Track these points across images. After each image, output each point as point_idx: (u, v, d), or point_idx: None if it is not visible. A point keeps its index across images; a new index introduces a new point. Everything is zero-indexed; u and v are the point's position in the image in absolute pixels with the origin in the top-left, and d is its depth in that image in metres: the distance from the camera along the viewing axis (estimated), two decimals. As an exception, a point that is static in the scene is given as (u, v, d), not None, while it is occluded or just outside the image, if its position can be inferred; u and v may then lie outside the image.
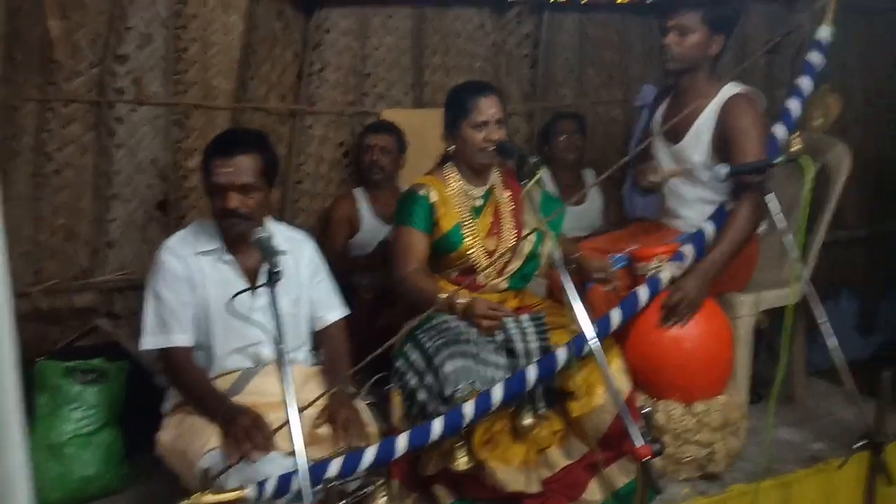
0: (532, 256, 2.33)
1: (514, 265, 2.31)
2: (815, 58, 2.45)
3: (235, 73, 3.09)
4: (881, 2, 3.98)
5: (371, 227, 3.11)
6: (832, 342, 2.01)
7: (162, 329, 1.98)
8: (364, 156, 3.10)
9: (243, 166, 1.95)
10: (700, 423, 2.16)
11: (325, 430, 1.91)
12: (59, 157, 2.84)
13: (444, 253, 2.29)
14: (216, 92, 3.08)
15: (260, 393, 1.99)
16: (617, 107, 3.81)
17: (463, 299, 2.12)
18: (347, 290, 2.90)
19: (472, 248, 2.28)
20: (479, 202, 2.34)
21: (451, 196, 2.32)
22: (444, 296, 2.12)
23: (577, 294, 1.90)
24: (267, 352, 2.05)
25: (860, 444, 1.91)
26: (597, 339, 1.86)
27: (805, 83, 2.43)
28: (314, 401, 1.85)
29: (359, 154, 3.17)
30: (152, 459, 2.13)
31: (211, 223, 2.07)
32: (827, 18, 2.46)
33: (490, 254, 2.30)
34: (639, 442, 1.64)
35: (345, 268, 2.97)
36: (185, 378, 1.98)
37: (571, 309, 2.18)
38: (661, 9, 3.53)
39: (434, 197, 2.29)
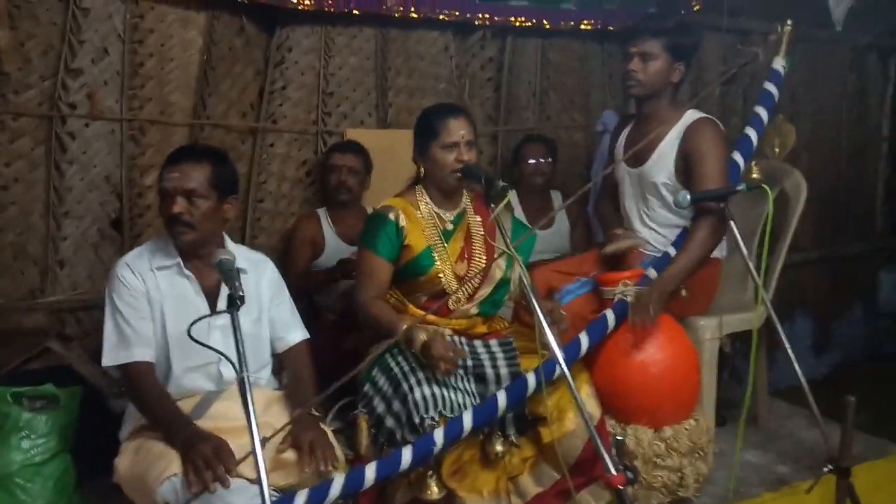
0: (503, 283, 2.31)
1: (485, 291, 2.29)
2: (771, 88, 2.52)
3: (194, 89, 3.02)
4: (823, 33, 4.17)
5: (335, 249, 3.06)
6: (796, 365, 2.04)
7: (122, 344, 1.93)
8: (330, 175, 3.06)
9: (191, 173, 1.95)
10: (669, 447, 2.16)
11: (290, 454, 1.85)
12: (7, 173, 2.71)
13: (413, 276, 2.25)
14: (173, 108, 3.00)
15: (223, 417, 1.92)
16: (578, 131, 3.85)
17: (423, 336, 2.06)
18: (311, 312, 2.87)
19: (441, 272, 2.25)
20: (449, 226, 2.31)
21: (422, 219, 2.29)
22: (405, 327, 2.07)
23: (545, 318, 1.90)
24: (226, 371, 1.99)
25: (827, 468, 1.93)
26: (565, 364, 1.85)
27: (763, 112, 2.50)
28: (279, 430, 1.79)
29: (324, 173, 3.12)
30: (107, 489, 2.04)
31: (166, 239, 2.04)
32: (781, 50, 2.53)
33: (460, 279, 2.27)
34: (612, 470, 1.63)
35: (304, 283, 2.92)
36: (148, 395, 1.91)
37: (540, 333, 2.21)
38: (622, 36, 3.64)
39: (403, 220, 2.25)
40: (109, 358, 1.94)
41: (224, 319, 1.92)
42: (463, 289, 2.26)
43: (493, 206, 2.04)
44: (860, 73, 4.78)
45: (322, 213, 3.14)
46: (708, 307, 2.56)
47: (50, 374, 2.35)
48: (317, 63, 3.27)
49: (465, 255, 2.30)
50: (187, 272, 2.00)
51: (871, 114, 4.91)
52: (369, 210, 3.15)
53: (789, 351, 2.06)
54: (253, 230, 3.22)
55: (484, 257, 2.31)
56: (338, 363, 2.38)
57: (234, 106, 3.15)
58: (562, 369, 1.84)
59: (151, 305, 1.96)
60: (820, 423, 2.02)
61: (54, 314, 2.79)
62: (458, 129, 2.23)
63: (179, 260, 2.00)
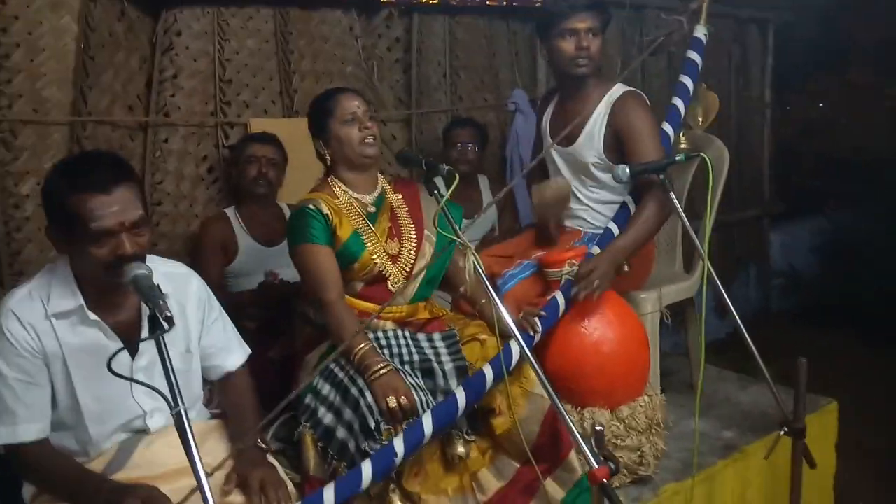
0: (437, 260, 2.19)
1: (420, 265, 2.16)
2: (695, 56, 2.52)
3: (71, 82, 2.68)
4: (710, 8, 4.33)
5: (249, 251, 2.81)
6: (744, 332, 2.05)
7: (5, 419, 1.57)
8: (248, 168, 2.80)
9: (130, 199, 1.55)
10: (627, 427, 2.13)
11: (236, 496, 1.63)
12: None
13: (347, 264, 2.09)
14: (49, 105, 2.65)
15: (147, 465, 1.65)
16: (490, 111, 3.78)
17: (378, 370, 1.90)
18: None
19: (374, 253, 2.11)
20: (371, 209, 2.18)
21: (342, 206, 2.14)
22: (362, 350, 1.93)
23: (501, 305, 1.80)
24: (153, 423, 1.70)
25: (783, 431, 1.95)
26: (527, 348, 1.77)
27: (688, 81, 2.50)
28: (221, 464, 1.57)
29: (236, 167, 2.86)
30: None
31: (62, 269, 1.63)
32: (702, 18, 2.54)
33: (394, 258, 2.15)
34: (593, 463, 1.54)
35: (226, 303, 2.66)
36: (45, 474, 1.60)
37: (485, 317, 2.12)
38: (531, 12, 3.59)
39: (325, 208, 2.09)
40: None
41: (147, 359, 1.65)
42: (398, 268, 2.14)
43: (435, 191, 1.91)
44: (743, 45, 5.02)
45: (231, 212, 2.88)
46: (645, 281, 2.55)
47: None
48: (210, 48, 2.99)
49: (395, 234, 2.18)
50: (93, 317, 1.61)
51: (754, 83, 5.18)
52: (283, 206, 2.94)
53: (735, 315, 2.06)
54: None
55: (414, 234, 2.20)
56: (264, 374, 2.19)
57: (119, 99, 2.83)
58: (523, 352, 1.75)
59: (49, 364, 1.59)
60: (771, 387, 2.04)
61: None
62: (350, 101, 2.14)
63: (82, 301, 1.60)
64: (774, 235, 5.51)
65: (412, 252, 2.17)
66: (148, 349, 1.65)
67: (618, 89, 2.41)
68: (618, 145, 2.36)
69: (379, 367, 1.89)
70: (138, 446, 1.68)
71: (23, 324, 1.57)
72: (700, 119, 2.65)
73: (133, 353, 1.65)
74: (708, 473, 2.26)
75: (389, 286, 2.12)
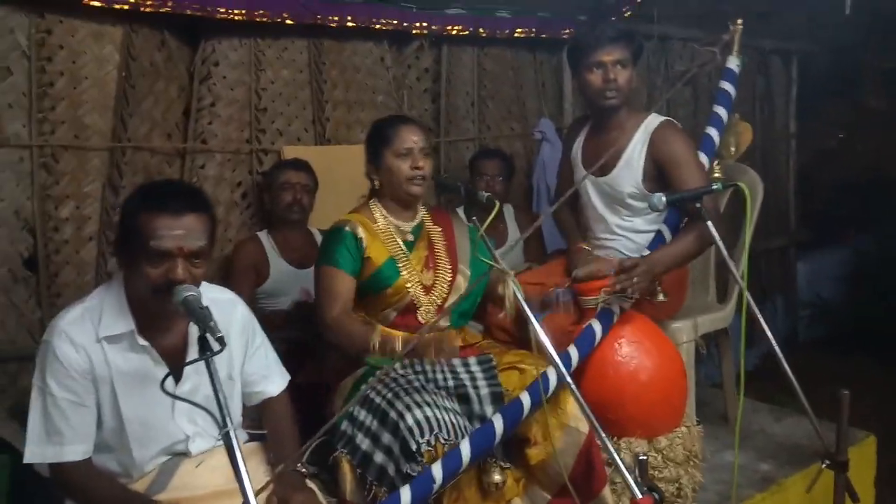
0: (470, 294, 2.20)
1: (452, 299, 2.16)
2: (728, 87, 2.54)
3: (112, 109, 2.74)
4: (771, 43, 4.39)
5: (281, 273, 2.85)
6: (784, 363, 2.02)
7: (52, 439, 1.58)
8: (282, 194, 2.85)
9: (196, 228, 1.57)
10: (665, 458, 2.10)
11: None
12: None
13: (379, 290, 2.11)
14: (89, 131, 2.71)
15: (188, 486, 1.65)
16: (517, 140, 3.82)
17: (400, 336, 1.96)
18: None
19: (409, 282, 2.12)
20: (410, 237, 2.21)
21: (380, 231, 2.17)
22: (377, 340, 1.95)
23: (542, 332, 1.79)
24: (194, 447, 1.71)
25: (825, 464, 1.92)
26: (560, 378, 1.75)
27: (722, 111, 2.51)
28: (264, 487, 1.57)
29: (268, 193, 2.91)
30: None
31: (116, 291, 1.64)
32: (734, 49, 2.56)
33: (427, 289, 2.16)
34: (637, 493, 1.53)
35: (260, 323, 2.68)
36: (90, 494, 1.61)
37: (522, 347, 2.11)
38: (561, 44, 3.63)
39: (361, 232, 2.13)
40: (35, 454, 1.59)
41: (191, 385, 1.66)
42: (430, 299, 2.15)
43: (474, 218, 1.92)
44: (766, 75, 5.04)
45: (263, 236, 2.92)
46: (678, 310, 2.53)
47: (-33, 441, 2.03)
48: (247, 77, 3.05)
49: (431, 265, 2.19)
50: (143, 342, 1.62)
51: (778, 114, 5.19)
52: (314, 231, 2.97)
53: (776, 345, 2.04)
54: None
55: (449, 267, 2.21)
56: (294, 399, 2.20)
57: (158, 126, 2.89)
58: (563, 379, 1.74)
59: (97, 386, 1.60)
60: (812, 419, 2.00)
61: (-38, 370, 2.44)
62: (410, 136, 2.15)
63: (134, 326, 1.62)
64: (801, 265, 5.46)
65: (446, 285, 2.18)
66: (191, 375, 1.67)
67: (653, 119, 2.42)
68: (657, 175, 2.36)
69: (398, 339, 1.93)
70: (180, 468, 1.69)
71: (74, 345, 1.58)
72: (732, 149, 2.65)
73: (177, 378, 1.67)
74: (746, 506, 2.22)
75: (419, 317, 2.13)
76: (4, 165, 2.53)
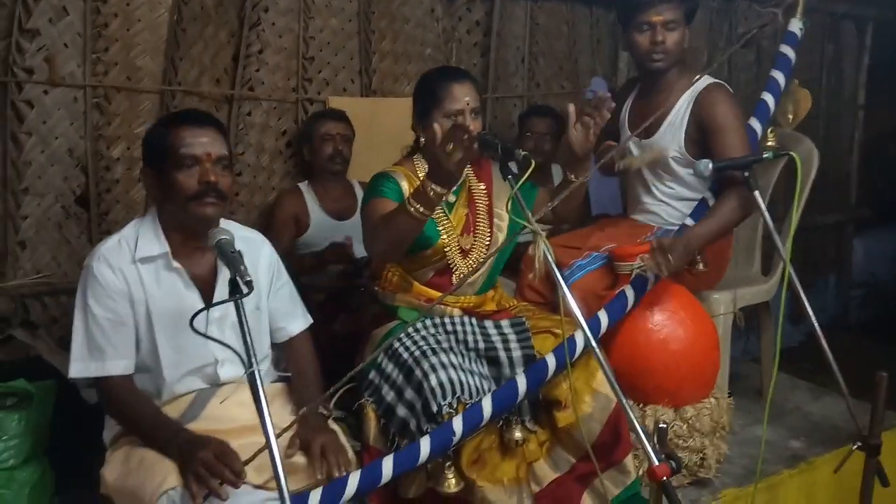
0: (502, 251, 2.18)
1: (489, 262, 2.15)
2: (788, 51, 2.42)
3: (163, 53, 2.77)
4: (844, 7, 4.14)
5: (320, 224, 2.88)
6: (823, 343, 1.97)
7: (94, 354, 1.68)
8: (324, 145, 2.86)
9: (218, 139, 1.72)
10: (691, 427, 2.08)
11: (299, 458, 1.69)
12: (-43, 145, 2.46)
13: (418, 250, 2.10)
14: (141, 73, 2.75)
15: (219, 419, 1.73)
16: (567, 98, 3.69)
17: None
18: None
19: (447, 245, 2.11)
20: (451, 196, 2.17)
21: None
22: (410, 198, 1.83)
23: (568, 294, 1.77)
24: (223, 371, 1.80)
25: (856, 445, 1.87)
26: (587, 342, 1.73)
27: (779, 76, 2.40)
28: (288, 427, 1.63)
29: (310, 143, 2.92)
30: (87, 495, 1.85)
31: (150, 221, 1.76)
32: (798, 11, 2.43)
33: (465, 253, 2.14)
34: (655, 460, 1.52)
35: (289, 265, 2.73)
36: (128, 410, 1.70)
37: (553, 311, 2.09)
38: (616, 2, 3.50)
39: (405, 185, 2.10)
40: (78, 368, 1.70)
41: (220, 311, 1.73)
42: (467, 263, 2.13)
43: (510, 177, 1.89)
44: (837, 42, 4.77)
45: (304, 187, 2.95)
46: (718, 281, 2.48)
47: (17, 367, 2.15)
48: (295, 25, 3.04)
49: (470, 228, 2.16)
50: (176, 264, 1.73)
51: (846, 83, 4.92)
52: (354, 184, 2.99)
53: (814, 322, 1.98)
54: (231, 205, 2.99)
55: (489, 229, 2.17)
56: (329, 346, 2.25)
57: (208, 71, 2.91)
58: (590, 345, 1.72)
59: (134, 306, 1.71)
60: (847, 399, 1.96)
61: (17, 300, 2.55)
62: (462, 96, 2.05)
63: (168, 249, 1.73)
64: (857, 243, 5.25)
65: (484, 249, 2.14)
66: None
67: (704, 80, 2.33)
68: (700, 139, 2.29)
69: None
70: (211, 400, 1.77)
71: (112, 268, 1.69)
72: (790, 117, 2.54)
73: (207, 304, 1.73)
74: (771, 482, 2.20)
75: (454, 280, 2.12)
76: (59, 104, 2.59)
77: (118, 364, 1.70)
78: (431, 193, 1.80)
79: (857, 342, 4.63)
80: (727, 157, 2.14)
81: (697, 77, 2.34)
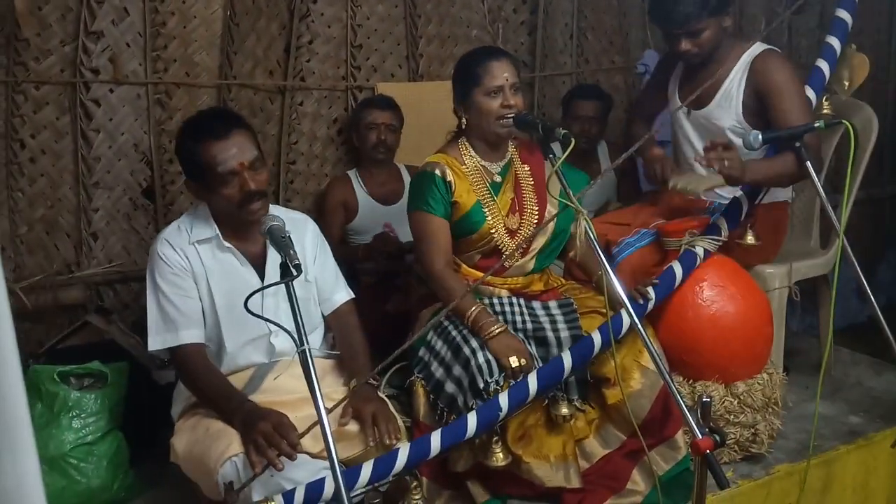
0: (556, 232, 2.20)
1: (539, 242, 2.17)
2: (844, 15, 2.33)
3: (218, 47, 2.87)
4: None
5: (368, 211, 2.94)
6: (879, 314, 1.92)
7: (168, 327, 1.84)
8: (369, 134, 2.91)
9: (245, 143, 1.82)
10: (742, 403, 2.06)
11: (352, 426, 1.78)
12: (33, 144, 2.63)
13: (464, 234, 2.14)
14: (199, 69, 2.87)
15: (278, 391, 1.85)
16: (618, 73, 3.67)
17: (494, 329, 1.95)
18: (348, 276, 2.76)
19: (493, 227, 2.13)
20: (497, 178, 2.18)
21: (468, 173, 2.16)
22: (474, 314, 1.98)
23: (612, 272, 1.78)
24: (278, 343, 1.91)
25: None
26: (636, 318, 1.73)
27: (835, 42, 2.32)
28: (339, 402, 1.71)
29: (357, 131, 2.98)
30: (159, 466, 2.00)
31: (202, 210, 1.92)
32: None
33: (512, 234, 2.16)
34: (698, 434, 1.52)
35: (341, 257, 2.81)
36: (200, 378, 1.83)
37: (600, 290, 2.09)
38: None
39: (449, 175, 2.12)
40: (156, 341, 1.85)
41: (274, 288, 1.83)
42: (515, 242, 2.15)
43: (551, 155, 1.91)
44: (909, 1, 4.52)
45: (353, 174, 3.01)
46: (775, 255, 2.42)
47: (93, 350, 2.30)
48: (343, 14, 3.11)
49: (516, 208, 2.18)
50: (227, 244, 1.89)
51: (920, 44, 4.66)
52: (401, 167, 3.04)
53: (869, 294, 1.93)
54: (286, 193, 3.11)
55: (536, 208, 2.19)
56: (380, 326, 2.32)
57: (261, 64, 3.01)
58: (633, 324, 1.73)
59: (197, 282, 1.86)
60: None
61: (91, 288, 2.73)
62: (501, 72, 2.06)
63: (218, 232, 1.88)
64: (932, 214, 4.99)
65: (531, 228, 2.15)
66: (274, 277, 1.81)
67: (756, 47, 2.27)
68: (758, 107, 2.23)
69: (494, 327, 1.94)
70: (269, 373, 1.89)
71: (174, 248, 1.86)
72: (846, 83, 2.45)
73: (261, 278, 1.88)
74: (827, 457, 2.15)
75: (505, 262, 2.13)
76: (124, 101, 2.74)
77: (191, 333, 1.84)
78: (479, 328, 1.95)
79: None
80: (788, 123, 2.08)
81: (750, 44, 2.28)
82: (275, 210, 1.94)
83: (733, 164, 2.03)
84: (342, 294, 2.07)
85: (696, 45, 2.24)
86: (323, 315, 2.05)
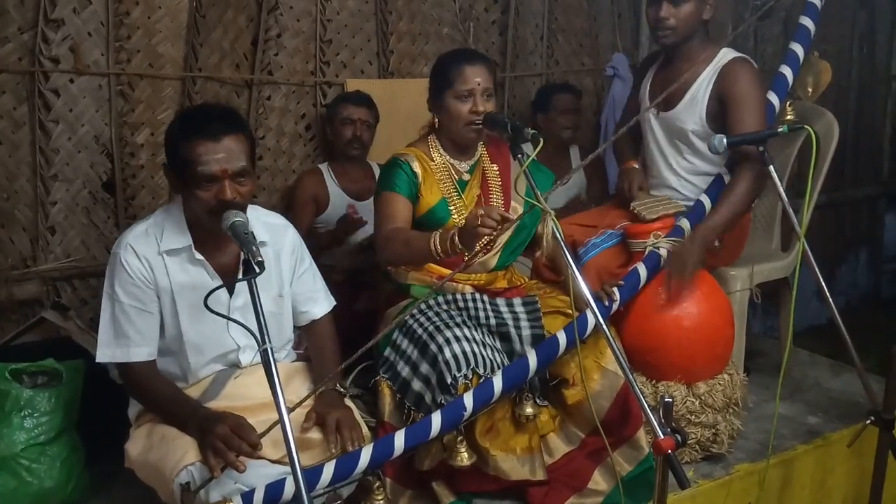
0: (519, 229, 2.20)
1: (502, 239, 2.17)
2: (807, 22, 2.37)
3: (184, 39, 2.82)
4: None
5: (339, 205, 2.93)
6: (836, 316, 1.96)
7: (120, 342, 1.74)
8: (343, 129, 2.89)
9: (234, 149, 1.67)
10: (703, 404, 2.09)
11: (314, 434, 1.75)
12: (-12, 134, 2.55)
13: (429, 230, 2.13)
14: (163, 60, 2.81)
15: (237, 396, 1.79)
16: (587, 75, 3.70)
17: (453, 228, 1.90)
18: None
19: (459, 224, 2.12)
20: (465, 176, 2.20)
21: (436, 169, 2.17)
22: (436, 237, 1.90)
23: (579, 273, 1.78)
24: (245, 357, 1.85)
25: (870, 420, 1.86)
26: (601, 319, 1.74)
27: (798, 49, 2.36)
28: (302, 401, 1.68)
29: (331, 126, 2.95)
30: (116, 465, 1.94)
31: (176, 210, 1.79)
32: (818, -18, 2.37)
33: None
34: (660, 433, 1.53)
35: (312, 246, 2.78)
36: (148, 391, 1.77)
37: (565, 290, 2.10)
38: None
39: (417, 168, 2.13)
40: (105, 354, 1.76)
41: (244, 300, 1.77)
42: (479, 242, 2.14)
43: (520, 155, 1.90)
44: (870, 10, 4.63)
45: (324, 167, 3.00)
46: (737, 257, 2.46)
47: (49, 347, 2.23)
48: (313, 8, 3.08)
49: (482, 205, 2.18)
50: (199, 256, 1.76)
51: (879, 53, 4.78)
52: (373, 166, 3.02)
53: (829, 299, 1.97)
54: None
55: (502, 206, 2.19)
56: (349, 325, 2.29)
57: (227, 56, 2.97)
58: (598, 324, 1.74)
59: (160, 295, 1.75)
60: (862, 374, 1.94)
61: (48, 283, 2.66)
62: (473, 77, 2.08)
63: (191, 242, 1.76)
64: (890, 217, 5.12)
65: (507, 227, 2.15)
66: (244, 290, 1.75)
67: (726, 54, 2.30)
68: (721, 113, 2.26)
69: (454, 229, 1.88)
70: (230, 379, 1.82)
71: (139, 257, 1.73)
72: (809, 90, 2.49)
73: (231, 292, 1.79)
74: (786, 457, 2.19)
75: (467, 258, 2.14)
76: (85, 92, 2.67)
77: (141, 351, 1.75)
78: (457, 248, 1.86)
79: (890, 318, 4.54)
80: (742, 132, 2.12)
81: (719, 50, 2.31)
82: (253, 211, 1.81)
83: (693, 266, 2.07)
84: (322, 306, 2.00)
85: (674, 16, 2.25)
86: (298, 325, 2.00)
